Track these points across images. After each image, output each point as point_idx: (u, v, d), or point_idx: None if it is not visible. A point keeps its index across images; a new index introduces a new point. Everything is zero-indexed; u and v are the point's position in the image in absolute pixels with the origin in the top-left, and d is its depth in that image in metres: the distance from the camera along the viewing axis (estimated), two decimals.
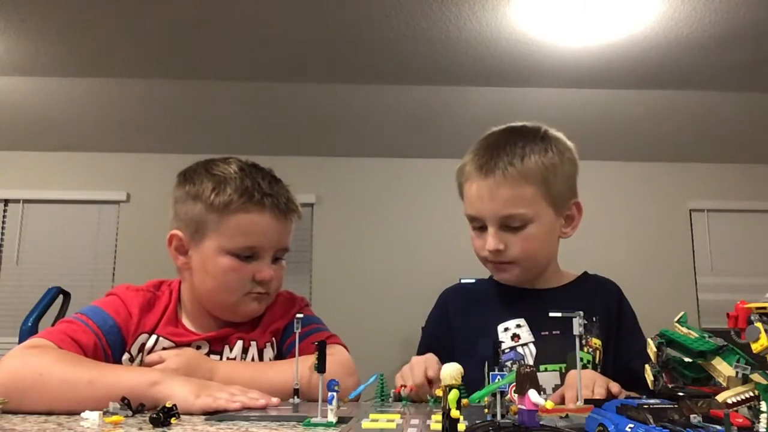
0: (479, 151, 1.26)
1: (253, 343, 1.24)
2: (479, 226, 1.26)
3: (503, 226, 1.22)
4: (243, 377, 1.07)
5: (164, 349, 1.17)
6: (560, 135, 1.30)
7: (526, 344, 1.24)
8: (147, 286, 1.27)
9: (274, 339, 1.27)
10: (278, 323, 1.28)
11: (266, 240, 1.21)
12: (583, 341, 1.24)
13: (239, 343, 1.22)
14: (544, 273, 1.32)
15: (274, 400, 0.98)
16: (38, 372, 0.97)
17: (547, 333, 1.24)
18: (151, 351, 1.17)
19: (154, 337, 1.19)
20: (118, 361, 1.17)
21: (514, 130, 1.28)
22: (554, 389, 1.17)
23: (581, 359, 1.21)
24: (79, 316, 1.16)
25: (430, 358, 1.12)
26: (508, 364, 1.22)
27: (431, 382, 1.05)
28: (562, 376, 1.19)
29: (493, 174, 1.21)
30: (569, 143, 1.30)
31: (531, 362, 1.22)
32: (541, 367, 1.21)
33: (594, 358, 1.23)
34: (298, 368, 1.01)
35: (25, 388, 0.96)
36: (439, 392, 1.01)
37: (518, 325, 1.26)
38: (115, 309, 1.19)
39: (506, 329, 1.26)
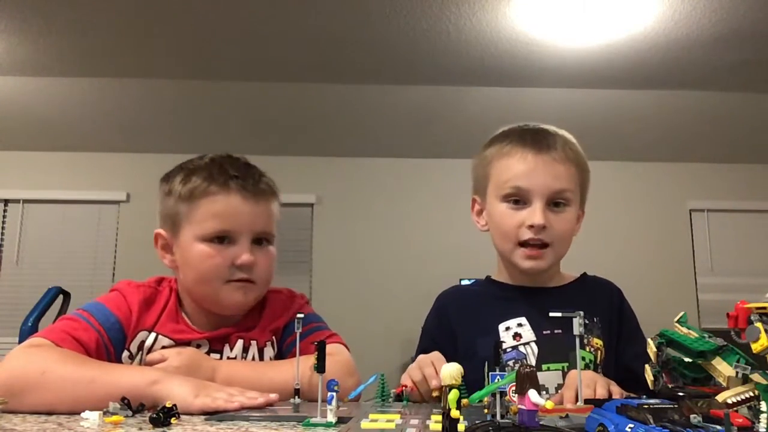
0: (525, 133, 1.28)
1: (254, 343, 1.24)
2: (518, 200, 1.24)
3: (549, 203, 1.23)
4: (244, 377, 1.07)
5: (164, 347, 1.17)
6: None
7: (527, 343, 1.24)
8: (148, 282, 1.27)
9: (274, 338, 1.27)
10: (278, 322, 1.28)
11: (237, 223, 1.19)
12: (585, 341, 1.24)
13: (239, 343, 1.22)
14: (549, 270, 1.32)
15: (272, 396, 0.98)
16: (40, 371, 0.97)
17: (549, 332, 1.23)
18: (150, 349, 1.18)
19: (153, 335, 1.19)
20: (120, 357, 1.17)
21: (540, 128, 1.31)
22: (557, 389, 1.17)
23: (583, 358, 1.22)
24: (81, 312, 1.16)
25: (436, 354, 1.12)
26: (510, 363, 1.21)
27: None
28: (565, 375, 1.19)
29: (554, 149, 1.24)
30: None
31: (533, 361, 1.22)
32: (543, 366, 1.20)
33: (596, 358, 1.23)
34: (299, 368, 1.01)
35: (28, 387, 0.96)
36: (435, 393, 1.02)
37: (520, 324, 1.25)
38: (116, 305, 1.19)
39: (507, 328, 1.26)
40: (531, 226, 1.21)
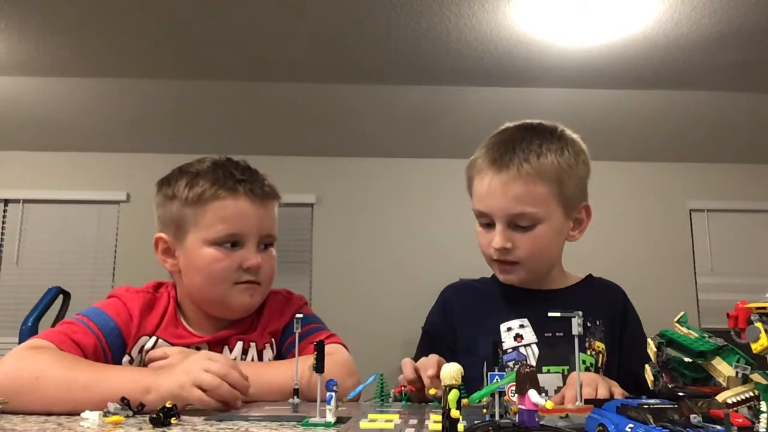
0: (493, 146, 1.24)
1: (253, 344, 1.24)
2: (487, 222, 1.24)
3: (511, 224, 1.21)
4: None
5: None
6: (576, 137, 1.29)
7: (528, 345, 1.23)
8: (146, 287, 1.27)
9: (273, 340, 1.27)
10: (277, 324, 1.28)
11: (246, 225, 1.20)
12: (586, 344, 1.24)
13: (239, 345, 1.22)
14: (548, 274, 1.32)
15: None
16: (35, 375, 0.97)
17: (550, 334, 1.23)
18: (150, 350, 1.18)
19: (153, 339, 1.19)
20: (118, 363, 1.16)
21: (531, 127, 1.26)
22: (556, 391, 1.16)
23: (584, 361, 1.22)
24: (80, 317, 1.16)
25: (432, 358, 1.12)
26: (510, 364, 1.21)
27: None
28: (565, 378, 1.18)
29: (508, 169, 1.19)
30: (584, 146, 1.29)
31: (533, 363, 1.22)
32: (544, 369, 1.20)
33: (597, 361, 1.23)
34: (298, 368, 1.01)
35: (22, 390, 0.95)
36: (432, 391, 1.02)
37: (521, 326, 1.25)
38: (116, 311, 1.19)
39: (509, 329, 1.26)
40: (495, 248, 1.22)
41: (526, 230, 1.21)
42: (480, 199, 1.24)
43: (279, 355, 1.27)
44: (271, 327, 1.27)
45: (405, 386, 1.08)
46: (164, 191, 1.24)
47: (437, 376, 1.05)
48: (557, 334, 1.22)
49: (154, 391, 0.93)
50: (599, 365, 1.23)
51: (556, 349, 1.21)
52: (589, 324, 1.25)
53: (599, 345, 1.24)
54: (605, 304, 1.31)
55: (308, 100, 4.08)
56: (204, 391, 0.92)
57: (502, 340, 1.24)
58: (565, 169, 1.22)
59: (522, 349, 1.23)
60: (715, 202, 4.64)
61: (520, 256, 1.22)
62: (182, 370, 0.95)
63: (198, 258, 1.19)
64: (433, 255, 4.45)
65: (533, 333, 1.24)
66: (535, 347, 1.23)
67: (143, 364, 1.17)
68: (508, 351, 1.23)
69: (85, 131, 4.36)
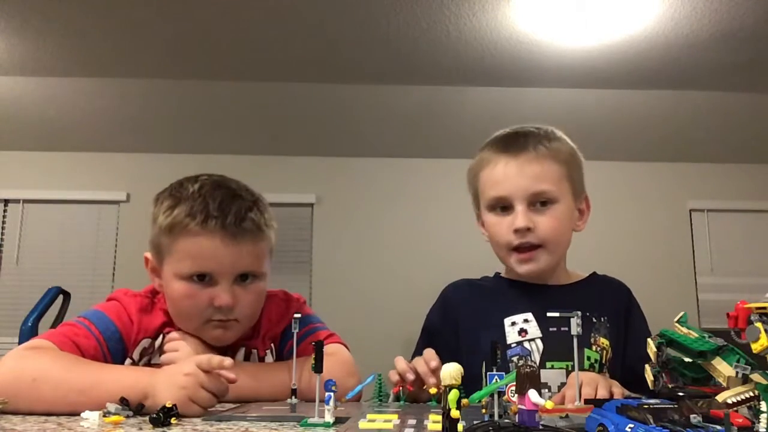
0: (499, 140, 1.31)
1: (254, 351, 1.24)
2: (503, 206, 1.26)
3: (531, 205, 1.24)
4: (243, 380, 1.07)
5: None
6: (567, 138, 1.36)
7: (533, 340, 1.24)
8: (144, 292, 1.26)
9: (273, 345, 1.27)
10: (276, 329, 1.27)
11: (215, 264, 1.12)
12: (591, 339, 1.24)
13: (241, 352, 1.22)
14: (555, 269, 1.32)
15: (227, 362, 0.96)
16: (31, 378, 0.97)
17: (555, 329, 1.23)
18: (161, 347, 1.18)
19: (159, 339, 1.19)
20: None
21: (527, 129, 1.33)
22: (560, 387, 1.17)
23: (588, 357, 1.22)
24: (82, 320, 1.16)
25: (429, 352, 1.12)
26: (514, 359, 1.21)
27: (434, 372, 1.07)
28: (569, 374, 1.19)
29: (525, 151, 1.25)
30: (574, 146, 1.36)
31: (537, 358, 1.22)
32: (548, 364, 1.21)
33: (601, 357, 1.23)
34: (300, 370, 1.01)
35: (20, 391, 0.95)
36: (433, 390, 1.02)
37: (526, 320, 1.26)
38: (117, 314, 1.18)
39: (513, 323, 1.26)
40: (516, 231, 1.23)
41: (544, 210, 1.24)
42: (495, 186, 1.27)
43: (280, 359, 1.26)
44: (270, 333, 1.26)
45: (402, 385, 1.08)
46: (153, 210, 1.19)
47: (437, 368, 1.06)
48: (562, 329, 1.22)
49: (150, 398, 0.92)
50: (603, 362, 1.23)
51: (560, 345, 1.21)
52: (594, 320, 1.25)
53: (604, 341, 1.25)
54: (610, 301, 1.31)
55: (308, 100, 4.08)
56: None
57: (506, 334, 1.25)
58: (571, 155, 1.30)
59: (526, 344, 1.23)
60: (715, 202, 4.64)
61: (542, 236, 1.24)
62: (178, 384, 0.92)
63: (171, 290, 1.16)
64: (433, 255, 4.45)
65: (538, 328, 1.24)
66: (539, 342, 1.23)
67: (163, 342, 1.18)
68: (512, 345, 1.24)
69: (85, 131, 4.36)
